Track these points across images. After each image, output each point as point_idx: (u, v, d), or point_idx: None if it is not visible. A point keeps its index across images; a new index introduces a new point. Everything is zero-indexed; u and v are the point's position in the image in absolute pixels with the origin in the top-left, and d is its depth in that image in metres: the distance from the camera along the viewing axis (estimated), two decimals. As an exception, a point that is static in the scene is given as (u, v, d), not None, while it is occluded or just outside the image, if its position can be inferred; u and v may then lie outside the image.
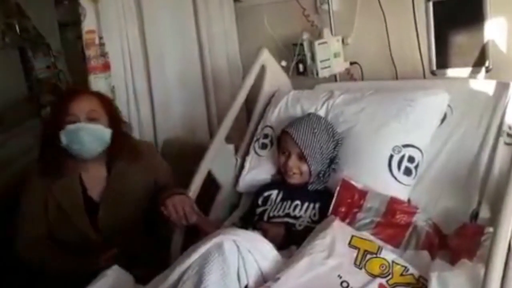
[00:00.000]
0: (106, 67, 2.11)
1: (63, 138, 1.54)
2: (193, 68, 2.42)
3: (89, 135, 1.55)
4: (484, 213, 1.33)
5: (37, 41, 2.97)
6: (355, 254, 1.20)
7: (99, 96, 1.67)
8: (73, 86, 1.80)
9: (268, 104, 1.87)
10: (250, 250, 1.14)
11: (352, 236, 1.24)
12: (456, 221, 1.34)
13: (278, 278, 1.10)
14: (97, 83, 2.10)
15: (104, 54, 2.10)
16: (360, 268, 1.18)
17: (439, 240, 1.31)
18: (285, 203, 1.52)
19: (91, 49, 2.07)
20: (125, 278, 1.33)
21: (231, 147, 1.80)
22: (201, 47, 2.38)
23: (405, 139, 1.48)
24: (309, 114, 1.60)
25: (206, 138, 2.51)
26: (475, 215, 1.36)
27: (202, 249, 1.13)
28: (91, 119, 1.56)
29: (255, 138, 1.79)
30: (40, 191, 1.61)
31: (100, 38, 2.07)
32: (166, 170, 1.75)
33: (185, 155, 1.96)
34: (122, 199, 1.62)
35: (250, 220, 1.55)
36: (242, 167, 1.76)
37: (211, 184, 1.73)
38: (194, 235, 1.52)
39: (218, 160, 1.70)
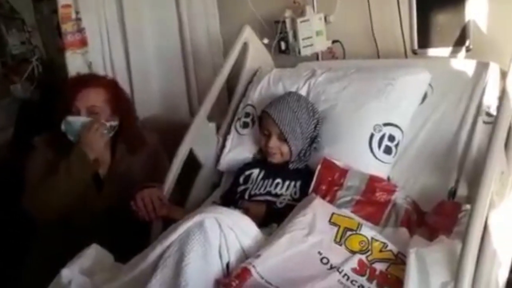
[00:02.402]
0: (83, 42, 2.07)
1: (62, 126, 1.62)
2: (172, 45, 2.37)
3: (82, 129, 1.60)
4: (462, 190, 1.36)
5: (11, 16, 2.88)
6: (335, 231, 1.21)
7: (108, 87, 1.68)
8: (85, 76, 1.79)
9: (250, 82, 1.85)
10: (231, 228, 1.15)
11: (333, 214, 1.25)
12: (434, 199, 1.36)
13: (259, 255, 1.11)
14: (74, 59, 2.05)
15: (80, 30, 2.05)
16: (340, 245, 1.19)
17: (418, 217, 1.33)
18: (266, 181, 1.52)
19: (67, 24, 2.02)
20: (105, 256, 1.32)
21: (212, 125, 1.78)
22: (181, 23, 2.34)
23: (386, 118, 1.49)
24: (289, 93, 1.59)
25: (186, 116, 2.49)
26: (453, 193, 1.38)
27: (184, 227, 1.13)
28: (92, 113, 1.62)
29: (236, 117, 1.78)
30: (47, 156, 1.65)
31: (77, 12, 2.02)
32: (164, 168, 1.72)
33: (165, 133, 1.93)
34: (123, 184, 1.63)
35: (231, 198, 1.55)
36: (223, 146, 1.75)
37: (192, 163, 1.72)
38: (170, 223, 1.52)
39: (199, 139, 1.69)
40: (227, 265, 1.12)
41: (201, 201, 1.70)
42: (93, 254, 1.29)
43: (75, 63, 2.05)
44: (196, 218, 1.13)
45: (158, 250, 1.13)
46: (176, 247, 1.11)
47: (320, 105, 1.58)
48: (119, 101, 1.70)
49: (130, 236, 1.53)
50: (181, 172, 1.64)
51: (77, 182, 1.58)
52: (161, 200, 1.51)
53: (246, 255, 1.16)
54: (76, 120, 1.61)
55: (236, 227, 1.16)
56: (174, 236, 1.12)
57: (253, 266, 1.08)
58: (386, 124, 1.48)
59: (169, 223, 1.51)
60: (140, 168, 1.72)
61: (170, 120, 2.30)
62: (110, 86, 1.71)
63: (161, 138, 1.87)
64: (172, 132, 1.88)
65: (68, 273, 1.19)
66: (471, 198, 1.25)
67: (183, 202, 1.69)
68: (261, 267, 1.08)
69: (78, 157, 1.59)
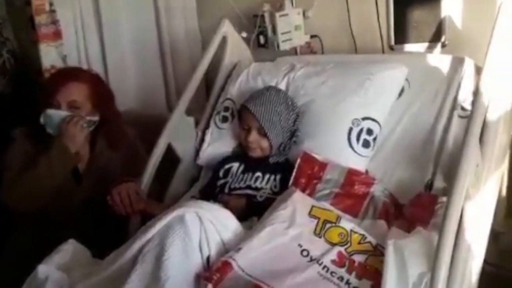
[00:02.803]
0: (57, 35, 2.03)
1: (41, 119, 1.60)
2: (149, 38, 2.35)
3: (60, 123, 1.58)
4: (438, 183, 1.38)
5: (-21, 7, 2.78)
6: (315, 224, 1.22)
7: (91, 83, 1.66)
8: (68, 70, 1.78)
9: (228, 76, 1.85)
10: (212, 221, 1.14)
11: (312, 207, 1.26)
12: (411, 191, 1.39)
13: (240, 248, 1.11)
14: (48, 52, 2.02)
15: (55, 22, 2.01)
16: (320, 237, 1.20)
17: (395, 210, 1.35)
18: (246, 175, 1.52)
19: (41, 16, 1.98)
20: (82, 252, 1.30)
21: (191, 119, 1.77)
22: (158, 16, 2.31)
23: (364, 112, 1.50)
24: (268, 88, 1.59)
25: (164, 111, 2.47)
26: (429, 185, 1.41)
27: (163, 221, 1.12)
28: (72, 108, 1.60)
29: (215, 111, 1.77)
30: (26, 148, 1.62)
31: (51, 4, 1.98)
32: (142, 163, 1.71)
33: (142, 127, 1.91)
34: (102, 178, 1.61)
35: (211, 192, 1.55)
36: (202, 140, 1.74)
37: (171, 158, 1.70)
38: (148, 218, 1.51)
39: (178, 133, 1.68)
40: (208, 258, 1.11)
41: (179, 196, 1.68)
42: (70, 249, 1.26)
43: (49, 56, 2.01)
44: (176, 212, 1.12)
45: (137, 244, 1.12)
46: (156, 241, 1.10)
47: (300, 99, 1.59)
48: (101, 97, 1.68)
49: (108, 231, 1.51)
50: (159, 167, 1.63)
51: (57, 175, 1.56)
52: (138, 194, 1.49)
53: (227, 249, 1.15)
54: (56, 114, 1.59)
55: (217, 221, 1.15)
56: (154, 230, 1.11)
57: (234, 260, 1.08)
58: (364, 118, 1.49)
59: (147, 218, 1.51)
60: (119, 162, 1.71)
61: (147, 114, 2.28)
62: (93, 81, 1.69)
63: (138, 133, 1.86)
64: (149, 126, 1.85)
65: (44, 268, 1.17)
66: (447, 190, 1.28)
67: (161, 197, 1.68)
68: (242, 260, 1.08)
69: (59, 150, 1.56)
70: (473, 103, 1.25)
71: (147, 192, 1.58)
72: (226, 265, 1.07)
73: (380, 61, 1.64)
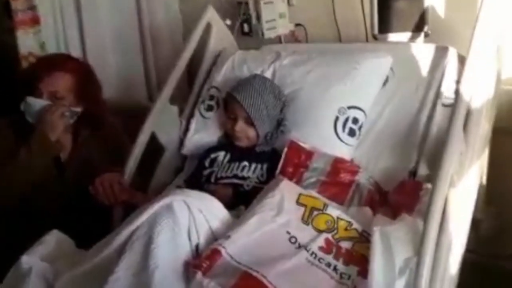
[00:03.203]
0: (35, 21, 1.98)
1: (22, 106, 1.57)
2: (129, 24, 2.31)
3: (40, 113, 1.55)
4: (422, 170, 1.40)
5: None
6: (302, 211, 1.23)
7: (77, 73, 1.62)
8: (55, 58, 1.72)
9: (213, 64, 1.83)
10: (200, 210, 1.14)
11: (300, 194, 1.27)
12: (396, 179, 1.40)
13: (229, 236, 1.11)
14: (26, 39, 1.97)
15: (32, 7, 1.96)
16: (307, 224, 1.21)
17: (380, 197, 1.37)
18: (232, 164, 1.51)
19: (18, 1, 1.92)
20: (66, 243, 1.28)
21: (175, 108, 1.75)
22: (139, 3, 2.27)
23: (350, 101, 1.51)
24: (255, 76, 1.58)
25: (144, 99, 2.44)
26: (413, 173, 1.42)
27: (151, 210, 1.11)
28: (54, 98, 1.57)
29: (200, 100, 1.75)
30: (6, 138, 1.59)
31: (28, -11, 1.92)
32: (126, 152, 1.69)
33: (122, 116, 1.89)
34: (85, 169, 1.59)
35: (197, 182, 1.53)
36: (186, 129, 1.72)
37: (154, 147, 1.68)
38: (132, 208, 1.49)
39: (161, 122, 1.65)
40: (197, 247, 1.11)
41: (164, 186, 1.66)
42: (54, 240, 1.24)
43: (27, 43, 1.96)
44: (164, 201, 1.11)
45: (124, 234, 1.10)
46: (143, 230, 1.09)
47: (286, 88, 1.58)
48: (86, 88, 1.65)
49: (92, 221, 1.49)
50: (143, 156, 1.61)
51: (38, 165, 1.53)
52: (121, 184, 1.47)
53: (215, 237, 1.15)
54: (36, 103, 1.55)
55: (205, 209, 1.15)
56: (142, 219, 1.10)
57: (223, 247, 1.08)
58: (350, 107, 1.50)
59: (130, 209, 1.50)
60: (102, 152, 1.68)
61: (127, 103, 2.25)
62: (80, 72, 1.65)
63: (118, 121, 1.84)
64: (130, 114, 1.84)
65: (28, 260, 1.15)
66: (432, 177, 1.30)
67: (145, 187, 1.66)
68: (231, 247, 1.08)
69: (40, 139, 1.53)
70: (457, 92, 1.27)
71: (130, 182, 1.56)
72: (216, 252, 1.07)
73: (364, 50, 1.65)
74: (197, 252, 1.11)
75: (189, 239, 1.10)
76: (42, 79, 1.56)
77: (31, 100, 1.56)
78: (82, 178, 1.54)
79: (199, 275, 1.02)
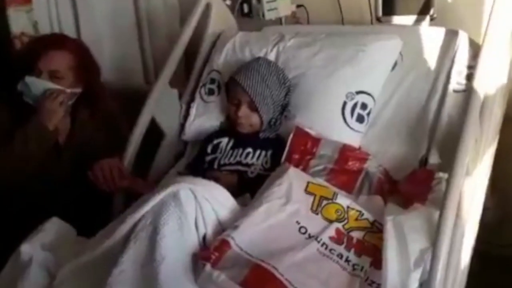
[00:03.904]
0: (27, -1, 1.89)
1: (19, 86, 1.50)
2: (125, 5, 2.23)
3: (39, 93, 1.49)
4: (433, 159, 1.36)
5: None
6: (311, 200, 1.19)
7: (76, 53, 1.57)
8: (53, 37, 1.66)
9: (212, 46, 1.76)
10: (207, 199, 1.09)
11: (308, 183, 1.23)
12: (405, 167, 1.37)
13: (237, 226, 1.07)
14: (18, 18, 1.90)
15: (23, -16, 1.87)
16: (317, 214, 1.17)
17: (390, 186, 1.33)
18: (236, 150, 1.47)
19: (9, -23, 1.83)
20: (67, 230, 1.24)
21: (175, 92, 1.69)
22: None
23: (358, 85, 1.46)
24: (258, 59, 1.51)
25: (140, 83, 2.38)
26: (424, 161, 1.39)
27: (156, 198, 1.06)
28: (54, 78, 1.51)
29: (200, 84, 1.69)
30: (2, 118, 1.52)
31: (19, -35, 1.83)
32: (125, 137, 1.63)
33: (118, 100, 1.82)
34: (83, 152, 1.54)
35: (199, 168, 1.49)
36: (187, 114, 1.66)
37: (154, 132, 1.63)
38: (134, 197, 1.45)
39: (161, 107, 1.60)
40: (204, 237, 1.07)
41: (164, 172, 1.61)
42: (54, 228, 1.20)
43: (19, 22, 1.88)
44: (170, 189, 1.06)
45: (128, 223, 1.06)
46: (148, 220, 1.04)
47: (290, 71, 1.52)
48: (86, 69, 1.59)
49: (91, 208, 1.45)
50: (142, 142, 1.55)
51: (34, 154, 1.48)
52: (121, 171, 1.42)
53: (222, 227, 1.11)
54: (36, 82, 1.49)
55: (212, 198, 1.10)
56: (146, 208, 1.05)
57: (232, 238, 1.04)
58: (358, 92, 1.45)
59: (132, 196, 1.45)
60: (101, 136, 1.63)
61: (123, 87, 2.18)
62: (79, 51, 1.59)
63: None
64: (126, 98, 1.78)
65: (28, 248, 1.10)
66: (445, 166, 1.28)
67: (145, 173, 1.61)
68: (240, 238, 1.05)
69: (37, 130, 1.47)
70: (472, 77, 1.24)
71: (131, 169, 1.51)
72: (224, 243, 1.03)
73: (372, 32, 1.59)
74: (204, 242, 1.07)
75: (196, 229, 1.06)
76: (41, 57, 1.50)
77: (30, 80, 1.49)
78: (80, 161, 1.49)
79: (208, 267, 0.99)
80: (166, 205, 1.04)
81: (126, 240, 1.04)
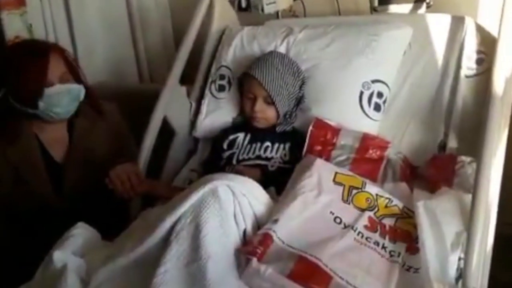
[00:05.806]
0: (21, 2, 1.85)
1: (41, 104, 1.41)
2: (118, 5, 2.22)
3: (68, 97, 1.46)
4: (452, 143, 1.39)
5: None
6: (341, 190, 1.20)
7: (63, 52, 1.50)
8: (37, 45, 1.53)
9: (219, 43, 1.75)
10: (244, 194, 1.09)
11: (336, 173, 1.24)
12: (424, 153, 1.39)
13: (277, 219, 1.07)
14: (12, 21, 1.84)
15: (16, -13, 1.81)
16: (348, 204, 1.19)
17: (411, 172, 1.36)
18: (254, 145, 1.46)
19: (2, -20, 1.77)
20: (93, 235, 1.21)
21: (184, 89, 1.67)
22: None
23: (374, 74, 1.47)
24: (271, 53, 1.51)
25: (135, 82, 2.35)
26: (443, 146, 1.42)
27: (194, 196, 1.04)
28: (65, 81, 1.46)
29: (210, 80, 1.67)
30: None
31: (12, -32, 1.77)
32: (128, 139, 1.63)
33: (113, 100, 1.79)
34: (88, 160, 1.49)
35: (216, 165, 1.48)
36: (197, 111, 1.65)
37: (165, 131, 1.60)
38: (152, 200, 1.43)
39: (172, 105, 1.57)
40: (244, 232, 1.07)
41: (177, 171, 1.60)
42: (81, 233, 1.17)
43: (13, 26, 1.82)
44: (208, 186, 1.05)
45: (166, 224, 1.04)
46: (188, 218, 1.03)
47: (303, 64, 1.52)
48: (76, 69, 1.53)
49: (107, 214, 1.41)
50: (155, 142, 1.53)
51: None
52: (139, 176, 1.39)
53: (258, 221, 1.12)
54: (58, 90, 1.42)
55: (249, 193, 1.10)
56: (185, 206, 1.04)
57: (274, 232, 1.04)
58: (374, 81, 1.46)
59: (148, 199, 1.43)
60: (102, 140, 1.57)
61: (118, 87, 2.16)
62: (61, 52, 1.51)
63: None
64: (121, 99, 1.75)
65: (60, 255, 1.07)
66: (464, 150, 1.31)
67: (158, 173, 1.59)
68: (281, 232, 1.05)
69: None
70: (478, 61, 1.25)
71: (145, 172, 1.48)
72: (267, 237, 1.03)
73: (378, 22, 1.60)
74: (244, 237, 1.07)
75: (236, 224, 1.06)
76: (47, 68, 1.42)
77: (50, 91, 1.41)
78: (86, 170, 1.46)
79: (254, 261, 0.98)
80: (206, 203, 1.03)
81: (166, 240, 1.03)
